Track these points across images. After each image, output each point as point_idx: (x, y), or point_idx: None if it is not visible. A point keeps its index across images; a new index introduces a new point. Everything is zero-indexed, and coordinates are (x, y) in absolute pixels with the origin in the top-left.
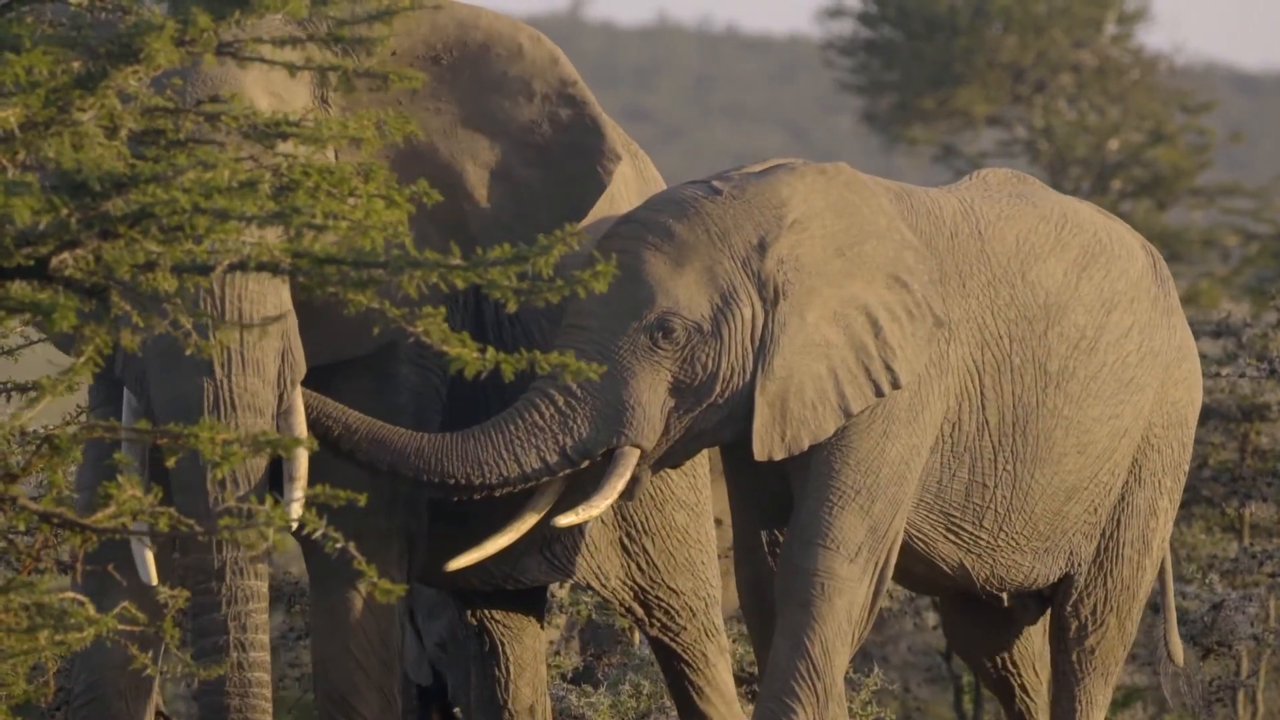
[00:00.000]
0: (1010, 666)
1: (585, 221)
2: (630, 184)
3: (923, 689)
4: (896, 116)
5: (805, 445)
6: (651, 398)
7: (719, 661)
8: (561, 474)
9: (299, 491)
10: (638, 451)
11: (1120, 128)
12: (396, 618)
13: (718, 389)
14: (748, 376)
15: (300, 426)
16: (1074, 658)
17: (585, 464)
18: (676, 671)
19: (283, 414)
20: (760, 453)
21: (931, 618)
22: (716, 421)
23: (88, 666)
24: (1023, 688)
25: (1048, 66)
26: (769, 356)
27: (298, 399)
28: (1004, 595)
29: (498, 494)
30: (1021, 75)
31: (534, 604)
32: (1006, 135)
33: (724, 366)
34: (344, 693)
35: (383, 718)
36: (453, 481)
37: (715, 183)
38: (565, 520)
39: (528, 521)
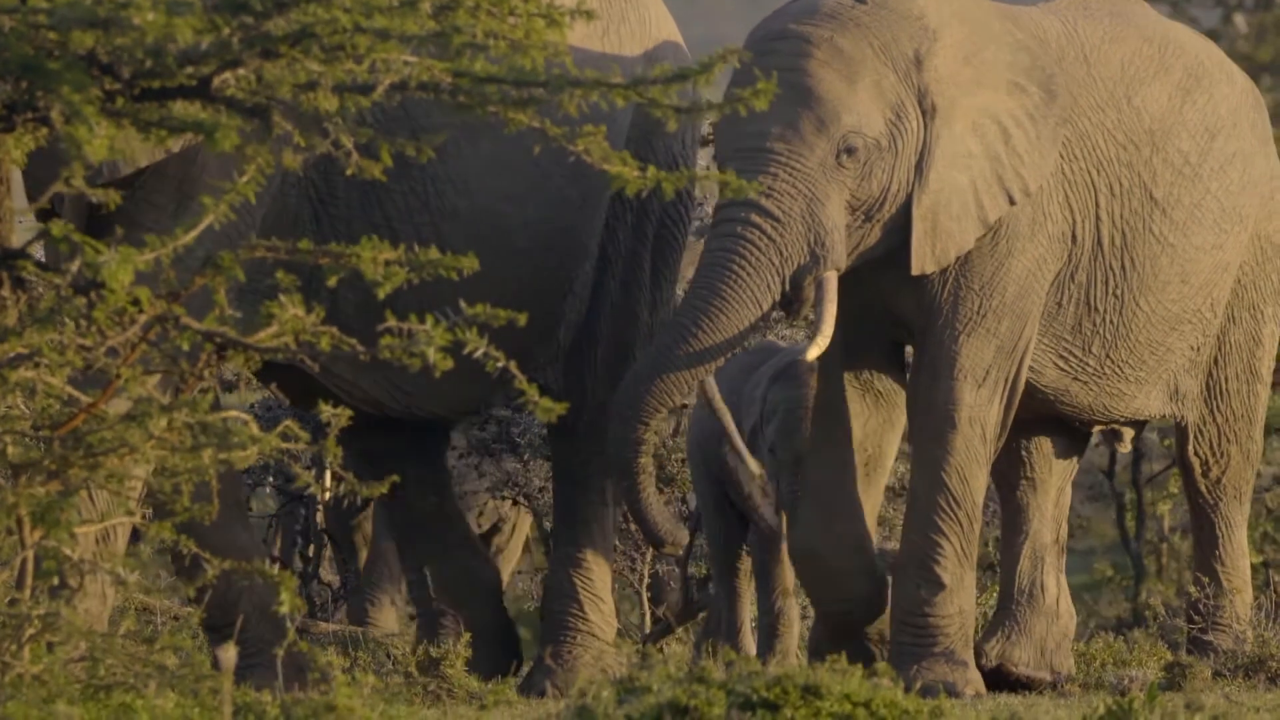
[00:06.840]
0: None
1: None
2: None
3: (1085, 506)
4: None
5: (951, 258)
6: (840, 219)
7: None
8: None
9: None
10: (835, 274)
11: None
12: None
13: (887, 205)
14: (909, 190)
15: None
16: (1204, 490)
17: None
18: None
19: None
20: (916, 267)
21: (1094, 436)
22: (877, 239)
23: None
24: (1027, 480)
25: None
26: (925, 170)
27: None
28: (1095, 427)
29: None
30: None
31: None
32: None
33: (894, 183)
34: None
35: None
36: (712, 351)
37: None
38: (813, 353)
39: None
